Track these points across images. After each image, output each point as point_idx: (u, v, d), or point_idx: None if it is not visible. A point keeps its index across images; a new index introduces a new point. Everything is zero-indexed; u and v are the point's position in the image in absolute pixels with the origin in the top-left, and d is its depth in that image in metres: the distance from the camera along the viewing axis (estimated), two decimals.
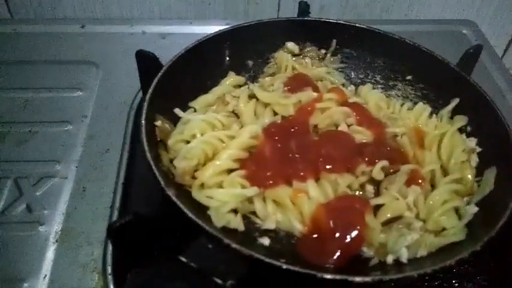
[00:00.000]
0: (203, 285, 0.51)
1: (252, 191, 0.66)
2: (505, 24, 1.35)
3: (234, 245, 0.55)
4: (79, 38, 1.12)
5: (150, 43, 1.09)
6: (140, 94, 0.99)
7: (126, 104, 0.97)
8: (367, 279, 0.54)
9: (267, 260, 0.54)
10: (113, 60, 1.06)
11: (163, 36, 1.13)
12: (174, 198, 0.59)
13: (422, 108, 0.82)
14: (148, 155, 0.64)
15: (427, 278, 0.66)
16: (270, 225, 0.66)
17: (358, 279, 0.53)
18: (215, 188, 0.67)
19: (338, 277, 0.53)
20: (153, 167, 0.62)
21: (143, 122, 0.68)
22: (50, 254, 0.73)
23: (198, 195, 0.66)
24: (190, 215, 0.57)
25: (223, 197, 0.65)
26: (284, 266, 0.54)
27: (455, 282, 0.71)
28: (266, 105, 0.81)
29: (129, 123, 0.93)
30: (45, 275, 0.71)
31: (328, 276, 0.53)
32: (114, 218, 0.77)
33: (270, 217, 0.67)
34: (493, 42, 1.38)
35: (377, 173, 0.70)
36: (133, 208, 0.77)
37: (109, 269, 0.71)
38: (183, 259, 0.52)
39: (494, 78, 1.09)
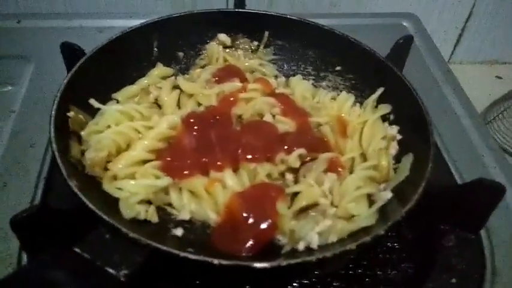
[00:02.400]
0: (94, 276, 0.49)
1: (164, 181, 0.66)
2: (454, 19, 1.37)
3: (131, 235, 0.53)
4: (14, 33, 1.09)
5: (86, 37, 1.07)
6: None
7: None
8: (264, 265, 0.53)
9: (163, 248, 0.53)
10: (47, 55, 1.04)
11: (100, 30, 1.11)
12: (75, 189, 0.57)
13: (346, 98, 0.82)
14: (53, 145, 0.62)
15: (338, 264, 0.66)
16: (185, 215, 0.66)
17: (258, 265, 0.53)
18: (127, 180, 0.65)
19: (233, 263, 0.52)
20: (57, 157, 0.60)
21: (53, 112, 0.66)
22: None
23: (108, 186, 0.64)
24: (88, 204, 0.56)
25: (133, 188, 0.64)
26: (181, 255, 0.53)
27: (379, 270, 0.71)
28: (190, 96, 0.80)
29: None
30: None
31: (224, 262, 0.52)
32: None
33: (185, 207, 0.66)
34: (443, 36, 1.41)
35: (293, 160, 0.70)
36: (53, 204, 0.75)
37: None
38: (77, 250, 0.51)
39: (431, 69, 1.10)
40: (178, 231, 0.64)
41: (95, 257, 0.51)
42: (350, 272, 0.70)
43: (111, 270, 0.50)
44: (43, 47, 1.06)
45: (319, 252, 0.61)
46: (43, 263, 0.47)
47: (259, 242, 0.62)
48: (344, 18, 1.23)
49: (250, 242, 0.62)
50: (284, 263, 0.53)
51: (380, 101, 0.83)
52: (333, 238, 0.62)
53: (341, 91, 0.88)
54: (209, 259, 0.52)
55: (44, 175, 0.81)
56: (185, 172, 0.67)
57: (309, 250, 0.62)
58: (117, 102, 0.78)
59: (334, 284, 0.68)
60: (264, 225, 0.63)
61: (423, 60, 1.11)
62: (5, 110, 0.92)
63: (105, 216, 0.54)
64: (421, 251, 0.72)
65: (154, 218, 0.65)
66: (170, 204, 0.68)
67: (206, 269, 0.56)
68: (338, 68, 0.90)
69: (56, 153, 0.61)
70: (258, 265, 0.53)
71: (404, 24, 1.23)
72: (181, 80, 0.81)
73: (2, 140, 0.87)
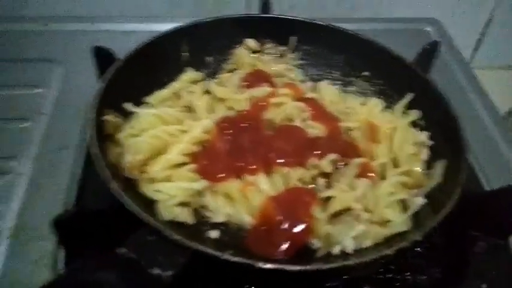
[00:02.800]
0: (139, 276, 0.50)
1: (201, 184, 0.67)
2: (473, 24, 1.37)
3: (174, 236, 0.55)
4: (42, 36, 1.11)
5: (113, 40, 1.08)
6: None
7: (85, 101, 0.96)
8: (303, 268, 0.54)
9: (206, 250, 0.54)
10: (76, 58, 1.05)
11: (126, 34, 1.13)
12: (116, 190, 0.58)
13: (375, 103, 0.83)
14: (93, 148, 0.63)
15: (372, 268, 0.67)
16: (219, 218, 0.67)
17: (295, 268, 0.54)
18: (164, 182, 0.67)
19: (274, 266, 0.53)
20: (97, 160, 0.62)
21: (92, 116, 0.67)
22: (2, 250, 0.73)
23: (146, 188, 0.66)
24: (130, 205, 0.57)
25: (171, 190, 0.65)
26: (224, 256, 0.54)
27: (408, 275, 0.71)
28: (222, 100, 0.81)
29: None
30: None
31: (266, 266, 0.53)
32: None
33: (220, 210, 0.67)
34: (462, 41, 1.41)
35: (326, 165, 0.71)
36: (87, 205, 0.77)
37: (59, 264, 0.70)
38: (121, 251, 0.52)
39: (456, 75, 1.10)
40: (214, 234, 0.66)
41: (139, 258, 0.52)
42: (380, 276, 0.70)
43: (156, 271, 0.51)
44: (70, 49, 1.08)
45: (356, 257, 0.62)
46: (90, 265, 0.48)
47: (293, 246, 0.63)
48: (365, 23, 1.23)
49: (285, 245, 0.63)
50: (325, 266, 0.54)
51: (409, 106, 0.83)
52: (367, 243, 0.63)
53: (369, 96, 0.89)
54: (250, 261, 0.53)
55: (76, 177, 0.82)
56: (220, 175, 0.68)
57: (343, 254, 0.63)
58: (151, 106, 0.80)
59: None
60: (298, 229, 0.63)
61: (447, 66, 1.11)
62: (36, 112, 0.94)
63: (149, 219, 0.55)
64: (450, 256, 0.73)
65: (189, 220, 0.66)
66: (205, 207, 0.69)
67: (245, 271, 0.57)
68: (365, 73, 0.90)
69: (96, 155, 0.62)
70: (298, 268, 0.54)
71: (428, 29, 1.23)
72: (212, 85, 0.82)
73: (35, 142, 0.88)
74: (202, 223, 0.68)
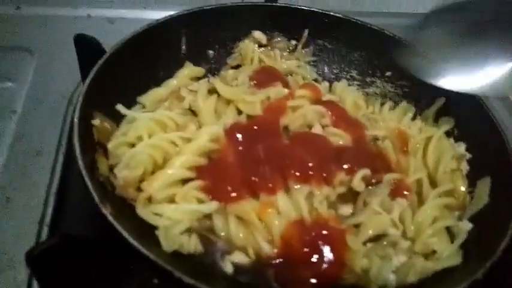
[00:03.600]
0: None
1: (211, 206, 0.55)
2: None
3: (187, 280, 0.43)
4: (13, 21, 0.97)
5: (96, 28, 0.94)
6: (81, 87, 0.85)
7: (64, 97, 0.84)
8: None
9: None
10: (52, 48, 0.92)
11: (111, 21, 1.00)
12: (110, 217, 0.47)
13: (406, 109, 0.73)
14: (80, 162, 0.51)
15: None
16: (228, 267, 0.54)
17: None
18: (165, 203, 0.55)
19: None
20: (86, 178, 0.49)
21: (76, 120, 0.55)
22: None
23: (144, 212, 0.54)
24: (130, 240, 0.45)
25: (175, 214, 0.54)
26: None
27: None
28: (229, 102, 0.70)
29: (67, 120, 0.80)
30: None
31: None
32: (44, 236, 0.63)
33: (233, 238, 0.55)
34: None
35: (358, 183, 0.60)
36: (66, 225, 0.64)
37: None
38: None
39: None
40: (229, 267, 0.54)
41: None
42: None
43: None
44: (46, 37, 0.94)
45: None
46: None
47: (324, 282, 0.52)
48: (370, 17, 1.13)
49: (313, 281, 0.52)
50: None
51: (438, 113, 0.73)
52: (412, 278, 0.53)
53: (391, 99, 0.79)
54: None
55: (53, 189, 0.70)
56: (232, 194, 0.57)
57: None
58: (143, 107, 0.67)
59: None
60: (330, 262, 0.53)
61: None
62: (5, 109, 0.80)
63: (153, 256, 0.43)
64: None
65: (199, 250, 0.54)
66: (213, 231, 0.57)
67: None
68: (388, 73, 0.80)
69: (84, 172, 0.50)
70: None
71: None
72: (218, 83, 0.70)
73: (3, 146, 0.75)
74: (210, 251, 0.56)
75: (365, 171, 0.61)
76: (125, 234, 0.45)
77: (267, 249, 0.55)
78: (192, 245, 0.53)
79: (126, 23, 0.98)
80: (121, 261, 0.51)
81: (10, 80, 0.85)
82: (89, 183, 0.49)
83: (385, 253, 0.55)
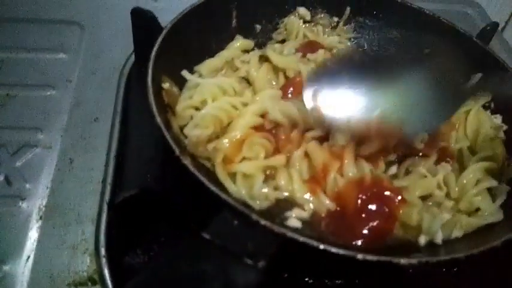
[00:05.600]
0: (232, 265, 0.43)
1: (281, 159, 0.59)
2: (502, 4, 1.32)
3: (263, 223, 0.47)
4: None
5: (142, 3, 0.98)
6: (132, 59, 0.89)
7: (116, 69, 0.88)
8: (413, 261, 0.48)
9: (303, 239, 0.47)
10: (101, 21, 0.96)
11: None
12: (191, 167, 0.51)
13: None
14: (158, 119, 0.55)
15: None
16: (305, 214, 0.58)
17: (403, 261, 0.48)
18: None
19: (382, 259, 0.47)
20: (165, 133, 0.54)
21: (149, 82, 0.59)
22: (33, 233, 0.65)
23: (222, 174, 0.57)
24: (211, 187, 0.49)
25: (249, 169, 0.57)
26: (321, 247, 0.47)
27: None
28: (277, 72, 0.74)
29: (120, 90, 0.84)
30: (28, 256, 0.62)
31: (371, 258, 0.47)
32: (107, 193, 0.68)
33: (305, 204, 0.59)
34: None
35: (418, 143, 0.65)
36: (128, 183, 0.69)
37: (103, 251, 0.63)
38: (207, 236, 0.45)
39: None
40: (295, 223, 0.57)
41: (228, 245, 0.45)
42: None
43: (248, 261, 0.44)
44: (95, 11, 0.98)
45: (444, 248, 0.56)
46: (187, 254, 0.41)
47: (375, 233, 0.57)
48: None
49: (366, 232, 0.57)
50: (434, 259, 0.48)
51: (475, 88, 0.77)
52: (457, 233, 0.58)
53: None
54: (352, 253, 0.47)
55: (113, 153, 0.74)
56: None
57: (431, 245, 0.57)
58: (200, 75, 0.71)
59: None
60: (384, 217, 0.57)
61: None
62: (61, 79, 0.84)
63: (236, 204, 0.48)
64: None
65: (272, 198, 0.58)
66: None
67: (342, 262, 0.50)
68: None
69: (163, 128, 0.54)
70: (404, 262, 0.48)
71: (469, 12, 1.17)
72: (271, 53, 0.74)
73: (63, 112, 0.79)
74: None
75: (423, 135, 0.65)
76: (205, 181, 0.50)
77: (328, 204, 0.58)
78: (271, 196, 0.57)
79: (169, 1, 1.02)
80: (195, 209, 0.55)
81: (66, 51, 0.89)
82: (169, 138, 0.53)
83: (431, 210, 0.59)
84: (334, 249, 0.47)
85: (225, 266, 0.42)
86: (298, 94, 0.66)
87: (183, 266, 0.39)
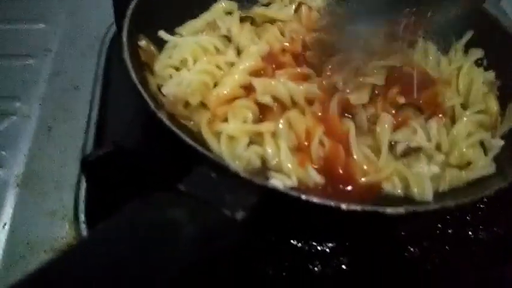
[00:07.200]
0: (211, 216, 0.41)
1: (269, 126, 0.56)
2: None
3: (243, 174, 0.45)
4: None
5: None
6: (113, 28, 0.86)
7: (96, 38, 0.85)
8: (400, 210, 0.46)
9: (283, 190, 0.45)
10: None
11: None
12: (166, 122, 0.49)
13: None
14: (133, 75, 0.53)
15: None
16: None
17: (389, 210, 0.46)
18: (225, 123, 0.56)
19: (367, 208, 0.45)
20: (140, 89, 0.51)
21: (124, 38, 0.56)
22: (10, 200, 0.63)
23: (208, 134, 0.55)
24: (188, 140, 0.47)
25: (234, 131, 0.55)
26: (303, 197, 0.45)
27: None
28: (260, 35, 0.71)
29: (101, 58, 0.82)
30: (5, 223, 0.60)
31: (355, 208, 0.45)
32: None
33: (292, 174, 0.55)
34: None
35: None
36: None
37: (82, 217, 0.61)
38: (182, 188, 0.42)
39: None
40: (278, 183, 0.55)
41: (207, 197, 0.42)
42: (438, 232, 0.64)
43: (226, 212, 0.42)
44: None
45: (433, 201, 0.54)
46: (156, 203, 0.39)
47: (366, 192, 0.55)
48: None
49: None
50: (420, 209, 0.46)
51: (468, 45, 0.75)
52: (444, 187, 0.56)
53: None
54: (336, 204, 0.45)
55: (93, 121, 0.72)
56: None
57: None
58: (181, 37, 0.69)
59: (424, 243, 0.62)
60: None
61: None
62: (40, 48, 0.82)
63: (211, 154, 0.45)
64: None
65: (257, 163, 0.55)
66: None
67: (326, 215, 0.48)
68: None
69: (138, 84, 0.52)
70: (390, 211, 0.46)
71: None
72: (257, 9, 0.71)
73: (41, 81, 0.77)
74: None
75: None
76: (182, 135, 0.48)
77: (317, 179, 0.54)
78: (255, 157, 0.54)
79: None
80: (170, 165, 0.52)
81: (44, 21, 0.86)
82: (143, 93, 0.51)
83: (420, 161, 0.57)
84: (316, 200, 0.45)
85: (200, 215, 0.40)
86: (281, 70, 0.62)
87: (154, 214, 0.37)
